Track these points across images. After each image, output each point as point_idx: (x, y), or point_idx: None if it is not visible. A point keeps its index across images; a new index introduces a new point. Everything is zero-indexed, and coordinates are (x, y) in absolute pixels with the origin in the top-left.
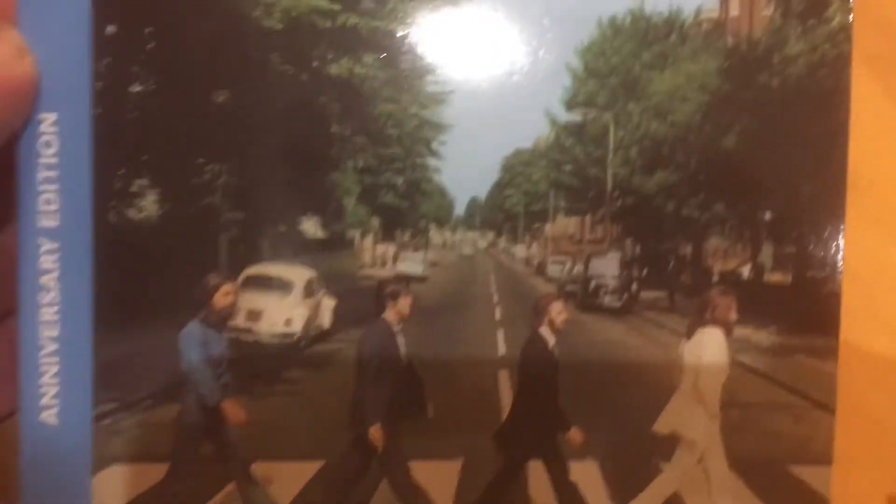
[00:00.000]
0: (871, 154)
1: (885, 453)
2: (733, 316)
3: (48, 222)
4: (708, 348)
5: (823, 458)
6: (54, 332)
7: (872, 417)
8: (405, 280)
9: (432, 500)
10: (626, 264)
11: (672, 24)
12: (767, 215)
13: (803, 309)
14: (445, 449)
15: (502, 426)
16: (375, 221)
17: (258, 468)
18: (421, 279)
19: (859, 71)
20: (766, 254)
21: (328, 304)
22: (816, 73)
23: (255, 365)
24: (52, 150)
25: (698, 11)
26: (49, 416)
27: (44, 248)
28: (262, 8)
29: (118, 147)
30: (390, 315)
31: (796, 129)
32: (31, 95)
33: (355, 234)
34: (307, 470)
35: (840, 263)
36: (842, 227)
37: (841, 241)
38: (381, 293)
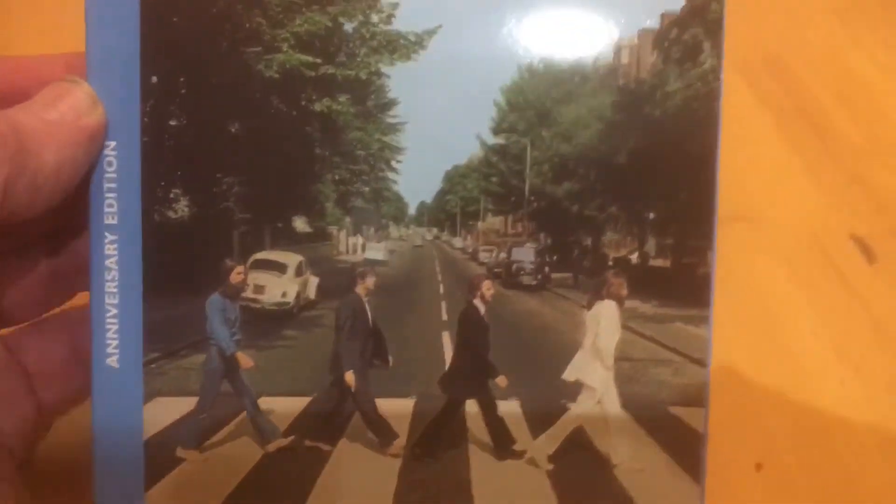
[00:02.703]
0: (738, 166)
1: (750, 397)
2: (624, 292)
3: (110, 220)
4: (605, 317)
5: (698, 401)
6: (115, 301)
7: (738, 368)
8: (371, 264)
9: (392, 427)
10: (539, 252)
11: (576, 68)
12: (651, 215)
13: (680, 287)
14: (402, 390)
15: (445, 373)
16: (348, 220)
17: (263, 401)
18: (383, 263)
19: (728, 99)
20: (651, 244)
21: (313, 280)
22: (691, 105)
23: (260, 326)
24: (112, 168)
25: (596, 59)
26: (112, 362)
27: (107, 240)
28: (264, 63)
29: (159, 165)
30: (360, 289)
31: (674, 148)
32: (104, 135)
33: (333, 229)
34: (299, 403)
35: (712, 252)
36: (713, 223)
37: (714, 235)
38: (353, 273)
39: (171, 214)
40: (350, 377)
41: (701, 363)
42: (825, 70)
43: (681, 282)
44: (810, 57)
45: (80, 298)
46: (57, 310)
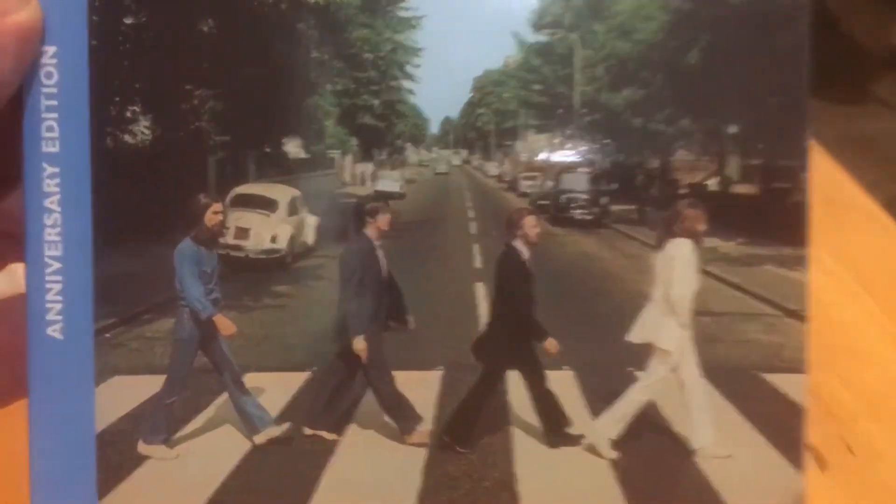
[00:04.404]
0: (832, 66)
1: (858, 360)
2: (702, 227)
3: (50, 148)
4: (678, 259)
5: (797, 365)
6: (57, 252)
7: (844, 324)
8: (384, 197)
9: (415, 409)
10: (595, 179)
11: None
12: (733, 129)
13: (771, 220)
14: (426, 359)
15: (480, 337)
16: (354, 141)
17: (249, 378)
18: (399, 196)
19: None
20: (733, 166)
21: (311, 221)
22: None
23: (245, 280)
24: (52, 81)
25: None
26: (54, 331)
27: (46, 173)
28: None
29: (113, 76)
30: (371, 231)
31: (759, 44)
32: (38, 36)
33: (335, 154)
34: (295, 380)
35: (806, 174)
36: (807, 138)
37: (806, 153)
38: (361, 210)
39: (129, 139)
40: (360, 344)
41: (798, 316)
42: None
43: (771, 213)
44: None
45: None
46: None
